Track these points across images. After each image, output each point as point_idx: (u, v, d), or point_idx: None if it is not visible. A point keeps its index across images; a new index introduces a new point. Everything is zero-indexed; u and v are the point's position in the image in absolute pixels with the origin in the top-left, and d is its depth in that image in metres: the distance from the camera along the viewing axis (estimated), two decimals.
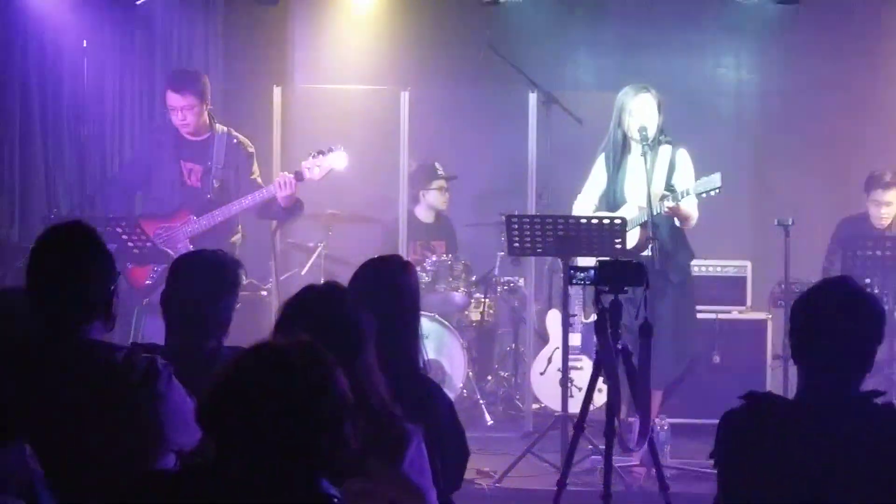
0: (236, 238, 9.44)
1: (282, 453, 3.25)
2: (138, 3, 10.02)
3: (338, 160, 9.04)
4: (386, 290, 5.04)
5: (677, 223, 8.53)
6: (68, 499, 3.60)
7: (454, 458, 4.96)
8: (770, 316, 10.06)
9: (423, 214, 10.93)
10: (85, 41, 10.02)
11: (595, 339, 6.19)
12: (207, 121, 9.34)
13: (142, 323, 8.59)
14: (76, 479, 3.84)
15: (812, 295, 4.47)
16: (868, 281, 8.61)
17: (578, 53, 11.08)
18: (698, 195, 8.33)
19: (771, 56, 10.87)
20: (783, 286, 9.30)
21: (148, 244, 8.77)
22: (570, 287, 8.35)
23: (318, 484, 3.30)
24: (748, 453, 4.41)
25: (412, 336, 5.18)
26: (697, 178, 8.47)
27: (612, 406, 5.68)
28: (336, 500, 3.31)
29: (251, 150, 9.47)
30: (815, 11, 10.00)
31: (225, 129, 9.44)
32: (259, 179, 9.33)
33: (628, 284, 5.58)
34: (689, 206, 8.45)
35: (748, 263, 10.23)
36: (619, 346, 5.69)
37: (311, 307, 4.37)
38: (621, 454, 6.25)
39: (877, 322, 4.38)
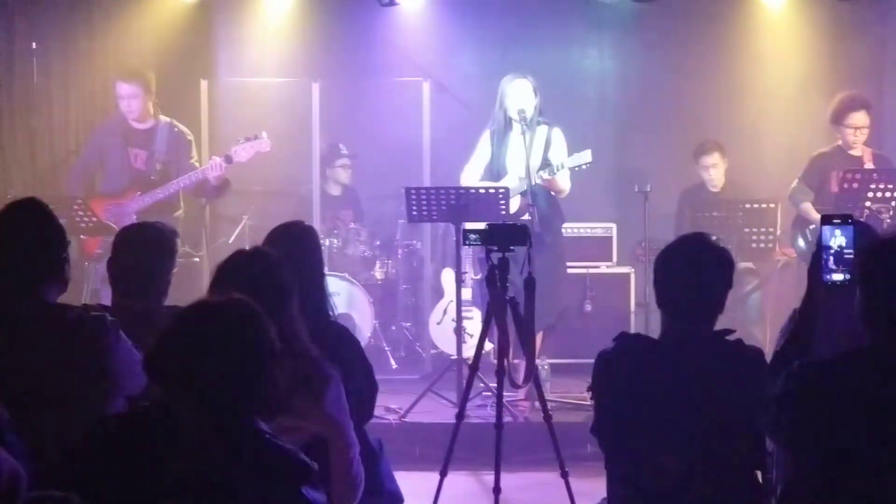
0: (179, 213, 9.50)
1: (219, 395, 3.25)
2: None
3: (262, 145, 9.10)
4: (295, 250, 5.02)
5: (552, 192, 8.61)
6: (32, 440, 3.55)
7: (365, 391, 4.96)
8: (632, 270, 10.16)
9: (332, 188, 10.89)
10: (34, 43, 9.92)
11: (485, 292, 6.23)
12: (151, 110, 9.33)
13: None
14: (39, 423, 3.81)
15: (671, 250, 4.52)
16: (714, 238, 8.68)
17: (465, 47, 11.06)
18: (571, 168, 8.39)
19: (629, 47, 10.92)
20: (643, 244, 9.38)
21: (94, 219, 8.76)
22: (462, 248, 8.41)
23: (252, 421, 3.29)
24: (620, 385, 4.45)
25: (321, 288, 5.18)
26: (570, 154, 8.52)
27: (502, 349, 5.70)
28: (268, 435, 3.30)
29: (190, 138, 9.52)
30: (667, 8, 10.04)
31: (168, 119, 9.44)
32: (197, 164, 9.33)
33: (514, 244, 5.60)
34: (563, 179, 8.52)
35: (613, 225, 10.32)
36: (508, 297, 5.69)
37: (241, 268, 4.36)
38: (510, 390, 6.24)
39: (726, 270, 4.43)
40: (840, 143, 9.32)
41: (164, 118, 9.43)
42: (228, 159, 9.03)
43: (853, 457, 3.43)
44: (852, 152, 9.23)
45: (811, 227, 9.17)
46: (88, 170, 9.62)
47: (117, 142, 9.35)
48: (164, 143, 9.29)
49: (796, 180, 9.43)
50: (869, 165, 9.12)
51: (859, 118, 9.19)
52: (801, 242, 9.35)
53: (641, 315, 9.63)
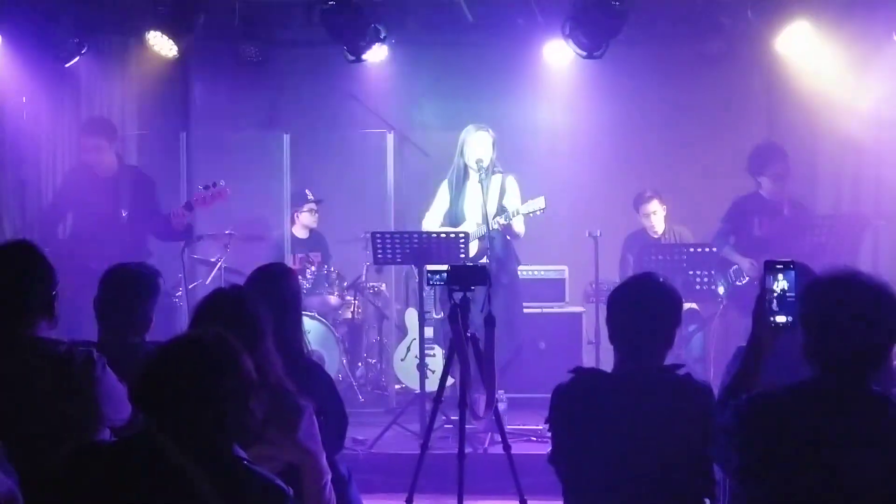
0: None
1: (200, 423, 3.24)
2: (67, 66, 9.81)
3: (221, 192, 8.95)
4: (274, 290, 5.01)
5: (508, 237, 8.65)
6: (23, 466, 3.50)
7: (336, 423, 4.95)
8: (584, 310, 10.16)
9: (300, 232, 10.87)
10: (24, 97, 9.88)
11: (447, 330, 6.21)
12: (114, 159, 9.21)
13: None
14: (29, 449, 3.76)
15: (623, 289, 4.53)
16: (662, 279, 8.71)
17: (425, 101, 11.09)
18: (525, 214, 8.46)
19: (579, 102, 10.94)
20: (593, 285, 9.41)
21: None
22: (424, 288, 8.43)
23: (231, 448, 3.28)
24: (575, 416, 4.45)
25: (297, 326, 5.19)
26: (523, 200, 8.60)
27: (464, 383, 5.67)
28: (247, 462, 3.29)
29: (152, 181, 9.37)
30: (613, 66, 10.07)
31: (131, 165, 9.37)
32: (159, 207, 9.23)
33: (474, 284, 5.59)
34: (518, 224, 8.64)
35: (566, 268, 10.34)
36: (469, 334, 5.68)
37: (220, 306, 4.36)
38: (471, 423, 6.22)
39: (675, 308, 4.45)
40: (760, 190, 9.36)
41: (127, 165, 9.35)
42: (189, 206, 8.95)
43: (797, 484, 3.43)
44: (769, 197, 9.29)
45: (733, 268, 9.23)
46: (58, 215, 9.41)
47: (84, 189, 9.15)
48: (129, 188, 9.13)
49: (720, 222, 9.48)
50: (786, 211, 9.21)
51: (780, 167, 9.26)
52: (720, 289, 9.37)
53: (592, 352, 9.63)
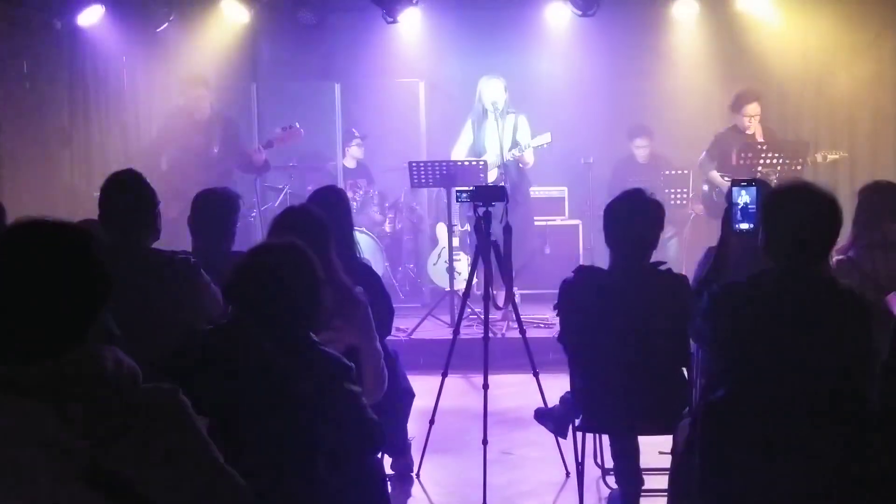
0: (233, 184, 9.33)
1: (280, 313, 3.26)
2: (158, 31, 9.79)
3: (296, 133, 8.99)
4: (331, 207, 5.01)
5: (521, 165, 8.66)
6: (140, 355, 3.56)
7: (384, 313, 4.97)
8: (580, 222, 10.16)
9: (349, 162, 10.80)
10: (124, 57, 9.89)
11: (471, 240, 6.22)
12: (209, 107, 9.21)
13: None
14: (146, 340, 3.80)
15: (616, 201, 4.54)
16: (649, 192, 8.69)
17: (449, 55, 10.96)
18: (535, 147, 8.55)
19: (576, 53, 10.81)
20: (588, 202, 9.43)
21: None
22: (453, 206, 8.50)
23: (306, 333, 3.31)
24: (579, 303, 4.49)
25: (350, 236, 5.21)
26: (533, 135, 8.66)
27: (487, 280, 5.69)
28: (318, 343, 3.32)
29: (237, 125, 9.40)
30: (603, 23, 9.99)
31: (220, 109, 9.34)
32: (243, 145, 9.23)
33: (495, 200, 5.58)
34: (529, 155, 8.71)
35: (565, 188, 10.37)
36: (491, 241, 5.69)
37: (292, 220, 4.39)
38: (492, 313, 6.24)
39: (659, 216, 4.47)
40: (737, 124, 9.29)
41: (217, 111, 9.32)
42: (269, 143, 8.96)
43: (758, 353, 3.45)
44: (747, 132, 9.20)
45: (716, 190, 9.19)
46: (159, 150, 9.36)
47: (183, 130, 9.14)
48: (220, 130, 9.13)
49: (703, 153, 9.42)
50: (760, 139, 9.10)
51: (752, 108, 9.15)
52: (714, 197, 9.29)
53: (588, 256, 9.69)
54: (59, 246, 2.28)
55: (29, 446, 2.16)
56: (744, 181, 3.97)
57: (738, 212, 3.95)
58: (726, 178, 8.81)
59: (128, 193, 4.41)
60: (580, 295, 4.48)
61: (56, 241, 2.28)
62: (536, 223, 9.53)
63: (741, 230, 3.93)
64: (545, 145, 8.55)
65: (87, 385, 2.23)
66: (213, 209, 5.12)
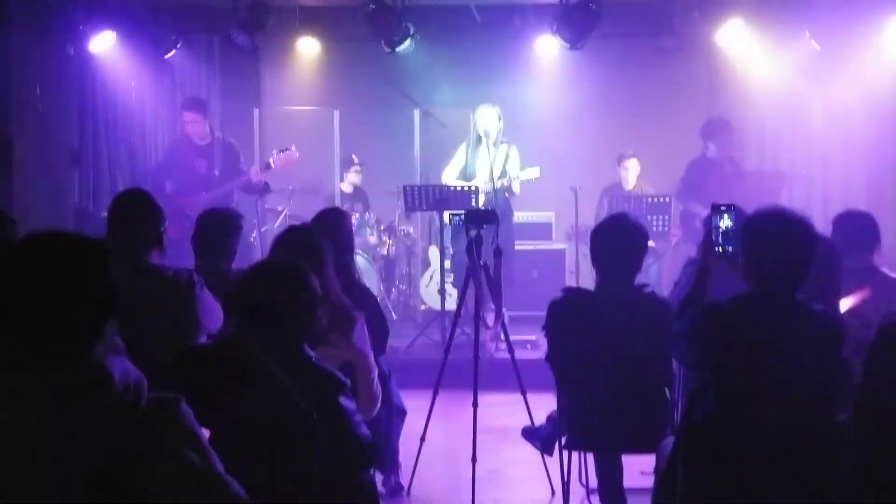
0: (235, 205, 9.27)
1: (278, 328, 3.26)
2: (166, 57, 9.81)
3: (292, 156, 8.94)
4: (333, 228, 5.02)
5: (507, 194, 8.69)
6: (142, 367, 3.54)
7: (380, 332, 4.96)
8: (566, 247, 10.17)
9: (346, 187, 10.82)
10: (133, 82, 9.90)
11: (461, 262, 6.18)
12: (208, 130, 9.17)
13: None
14: (144, 350, 3.78)
15: (603, 225, 4.56)
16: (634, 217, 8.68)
17: (443, 84, 11.00)
18: (522, 180, 8.64)
19: (564, 84, 10.86)
20: (573, 227, 9.42)
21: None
22: (446, 226, 8.50)
23: (301, 348, 3.31)
24: (566, 323, 4.48)
25: (350, 256, 5.20)
26: (522, 166, 8.69)
27: (478, 301, 5.68)
28: (314, 358, 3.31)
29: (238, 149, 9.31)
30: (591, 56, 10.02)
31: (220, 134, 9.30)
32: (244, 168, 9.17)
33: (486, 223, 5.58)
34: (516, 185, 8.71)
35: (552, 213, 10.40)
36: (482, 263, 5.68)
37: (293, 239, 4.37)
38: (482, 333, 6.20)
39: (643, 240, 4.47)
40: (707, 152, 9.32)
41: (218, 134, 9.26)
42: (266, 166, 8.91)
43: (737, 374, 3.45)
44: (714, 158, 9.24)
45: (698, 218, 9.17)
46: (165, 173, 9.33)
47: (186, 153, 9.10)
48: (220, 153, 9.09)
49: (680, 182, 9.43)
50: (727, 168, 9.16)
51: (726, 137, 9.22)
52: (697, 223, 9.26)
53: (573, 279, 9.66)
54: (73, 257, 2.25)
55: (36, 455, 2.15)
56: (723, 206, 3.97)
57: (719, 235, 3.95)
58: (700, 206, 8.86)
59: (133, 209, 4.42)
60: (567, 314, 4.47)
61: (70, 251, 2.26)
62: (523, 248, 9.56)
63: (721, 253, 3.92)
64: (534, 179, 8.59)
65: (95, 394, 2.21)
66: (216, 228, 5.12)
